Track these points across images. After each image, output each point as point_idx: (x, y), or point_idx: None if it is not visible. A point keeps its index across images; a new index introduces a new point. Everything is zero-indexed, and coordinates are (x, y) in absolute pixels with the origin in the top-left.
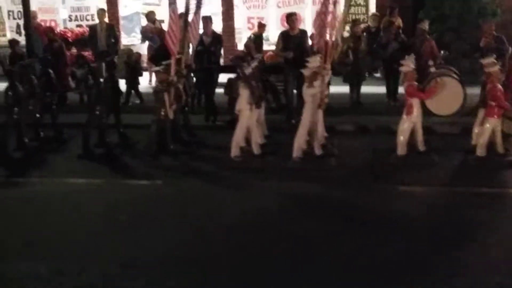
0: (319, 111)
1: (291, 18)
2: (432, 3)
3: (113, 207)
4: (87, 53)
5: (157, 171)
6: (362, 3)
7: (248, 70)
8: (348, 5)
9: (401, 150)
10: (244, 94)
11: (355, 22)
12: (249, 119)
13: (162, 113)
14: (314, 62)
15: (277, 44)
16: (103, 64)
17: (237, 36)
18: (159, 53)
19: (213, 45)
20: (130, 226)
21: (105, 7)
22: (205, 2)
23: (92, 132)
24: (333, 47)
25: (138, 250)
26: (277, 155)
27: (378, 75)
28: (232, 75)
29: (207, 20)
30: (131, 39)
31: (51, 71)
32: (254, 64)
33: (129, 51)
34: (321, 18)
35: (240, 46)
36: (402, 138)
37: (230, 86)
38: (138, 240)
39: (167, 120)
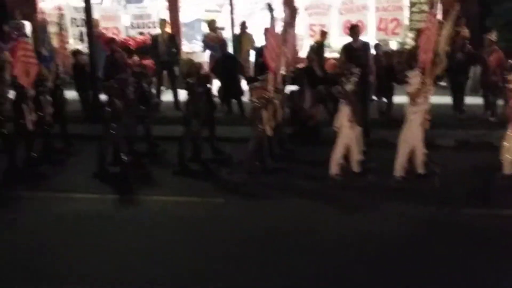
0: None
1: (353, 30)
2: (500, 10)
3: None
4: (148, 62)
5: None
6: (426, 9)
7: (348, 86)
8: (452, 22)
9: (508, 169)
10: (345, 111)
11: (419, 33)
12: (349, 137)
13: (260, 129)
14: (415, 78)
15: (340, 56)
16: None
17: (298, 43)
18: (221, 65)
19: None
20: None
21: (166, 14)
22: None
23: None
24: (436, 63)
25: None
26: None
27: (443, 83)
28: (294, 87)
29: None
30: (192, 45)
31: (145, 84)
32: (354, 79)
33: (189, 62)
34: (427, 35)
35: (302, 54)
36: (509, 156)
37: (292, 98)
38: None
39: (265, 137)
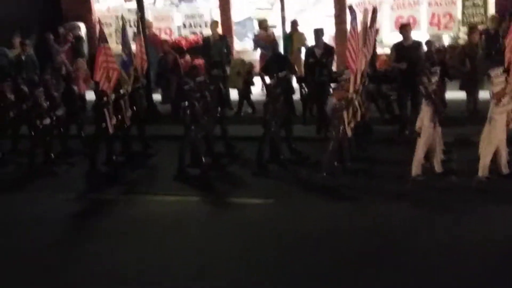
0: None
1: (405, 28)
2: None
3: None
4: (200, 61)
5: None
6: (480, 3)
7: (431, 87)
8: None
9: None
10: (427, 111)
11: (471, 29)
12: (431, 137)
13: (341, 130)
14: (499, 78)
15: (390, 55)
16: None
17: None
18: (271, 64)
19: (324, 57)
20: None
21: (218, 13)
22: (318, 5)
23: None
24: None
25: None
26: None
27: None
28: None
29: (319, 32)
30: (243, 43)
31: (222, 86)
32: (435, 79)
33: (241, 62)
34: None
35: None
36: None
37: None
38: None
39: (345, 138)
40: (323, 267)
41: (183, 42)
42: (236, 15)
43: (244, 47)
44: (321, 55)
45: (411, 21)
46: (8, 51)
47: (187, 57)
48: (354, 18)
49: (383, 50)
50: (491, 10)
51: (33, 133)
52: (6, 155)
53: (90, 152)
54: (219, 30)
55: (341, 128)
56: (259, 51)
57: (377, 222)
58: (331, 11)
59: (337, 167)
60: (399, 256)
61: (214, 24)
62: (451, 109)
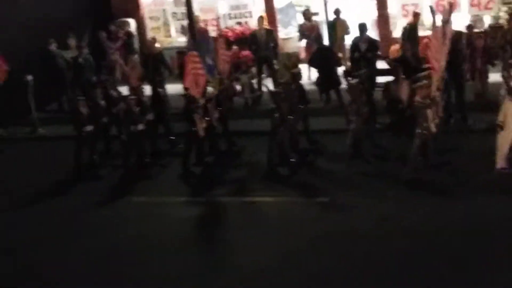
0: None
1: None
2: None
3: None
4: (247, 53)
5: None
6: None
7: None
8: None
9: None
10: (509, 105)
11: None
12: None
13: (425, 128)
14: None
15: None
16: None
17: (392, 23)
18: (317, 57)
19: (369, 52)
20: None
21: (262, 2)
22: None
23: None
24: None
25: None
26: None
27: None
28: (389, 78)
29: (363, 27)
30: (287, 31)
31: (301, 83)
32: None
33: (287, 55)
34: None
35: (395, 34)
36: None
37: (388, 90)
38: None
39: (429, 135)
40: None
41: (230, 34)
42: (277, 2)
43: (288, 35)
44: (366, 49)
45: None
46: (64, 53)
47: (235, 48)
48: (435, 18)
49: (424, 32)
50: None
51: (126, 139)
52: (100, 158)
53: (183, 155)
54: (266, 25)
55: (425, 124)
56: (304, 41)
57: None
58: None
59: (421, 161)
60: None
61: (260, 19)
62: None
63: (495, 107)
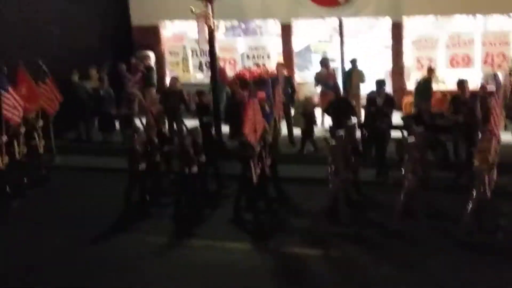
0: None
1: (462, 85)
2: None
3: None
4: (262, 94)
5: None
6: None
7: None
8: None
9: None
10: None
11: None
12: None
13: (482, 193)
14: None
15: (448, 107)
16: None
17: (406, 74)
18: (333, 106)
19: (385, 107)
20: None
21: (279, 44)
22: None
23: None
24: None
25: None
26: None
27: None
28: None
29: (381, 83)
30: (303, 74)
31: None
32: None
33: (305, 102)
34: None
35: (409, 86)
36: None
37: (400, 145)
38: None
39: (486, 201)
40: None
41: (247, 74)
42: (295, 46)
43: (304, 79)
44: (382, 104)
45: (465, 59)
46: (86, 83)
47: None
48: (499, 85)
49: (437, 86)
50: None
51: (180, 179)
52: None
53: (235, 200)
54: (285, 72)
55: (482, 189)
56: (319, 87)
57: None
58: (387, 38)
59: (475, 225)
60: None
61: (279, 65)
62: None
63: (506, 168)
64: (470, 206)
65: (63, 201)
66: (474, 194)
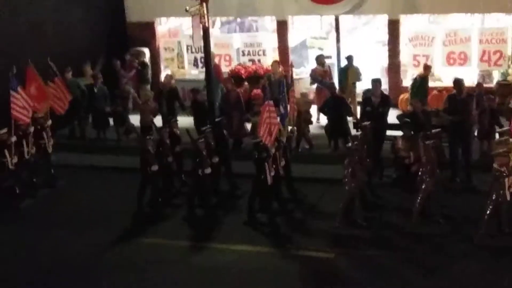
0: None
1: (458, 84)
2: None
3: None
4: (258, 92)
5: None
6: None
7: None
8: None
9: None
10: None
11: None
12: None
13: (500, 195)
14: None
15: (443, 106)
16: None
17: (402, 71)
18: (329, 105)
19: (381, 107)
20: None
21: (275, 41)
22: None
23: None
24: None
25: None
26: None
27: None
28: (398, 133)
29: (376, 83)
30: (299, 71)
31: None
32: None
33: (300, 101)
34: None
35: (405, 83)
36: None
37: (395, 144)
38: None
39: (504, 202)
40: None
41: (242, 71)
42: (291, 42)
43: (299, 75)
44: (378, 104)
45: (462, 57)
46: (79, 80)
47: (245, 85)
48: None
49: (434, 83)
50: None
51: (192, 180)
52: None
53: (249, 202)
54: (280, 70)
55: (501, 192)
56: (315, 85)
57: None
58: (382, 35)
59: (495, 227)
60: None
61: (274, 64)
62: None
63: None
64: (490, 209)
65: (69, 201)
66: (494, 197)
